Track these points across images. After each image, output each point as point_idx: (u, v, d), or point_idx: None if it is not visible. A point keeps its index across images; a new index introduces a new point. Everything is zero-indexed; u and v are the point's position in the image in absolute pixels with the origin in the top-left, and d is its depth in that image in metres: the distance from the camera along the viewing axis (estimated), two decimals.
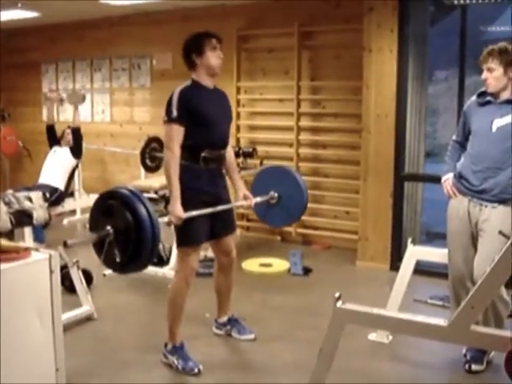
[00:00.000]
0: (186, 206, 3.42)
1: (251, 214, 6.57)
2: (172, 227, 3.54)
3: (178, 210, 3.38)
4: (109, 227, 2.93)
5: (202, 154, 3.52)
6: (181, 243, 3.59)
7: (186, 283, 3.58)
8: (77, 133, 6.49)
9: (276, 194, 4.10)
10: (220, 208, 3.63)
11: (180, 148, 3.47)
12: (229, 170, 3.88)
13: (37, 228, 5.51)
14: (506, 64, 3.36)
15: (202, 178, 3.54)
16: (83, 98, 6.93)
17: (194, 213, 3.45)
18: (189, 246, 3.56)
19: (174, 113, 3.43)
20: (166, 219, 3.37)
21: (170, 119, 3.45)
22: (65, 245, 2.85)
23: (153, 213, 2.96)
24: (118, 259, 2.92)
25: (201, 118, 3.48)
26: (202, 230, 3.56)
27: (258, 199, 4.00)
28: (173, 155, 3.43)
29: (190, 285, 3.59)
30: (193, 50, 3.55)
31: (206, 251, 5.10)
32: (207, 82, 3.59)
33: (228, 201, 3.78)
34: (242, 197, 3.88)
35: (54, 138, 6.65)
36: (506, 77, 3.38)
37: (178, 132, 3.45)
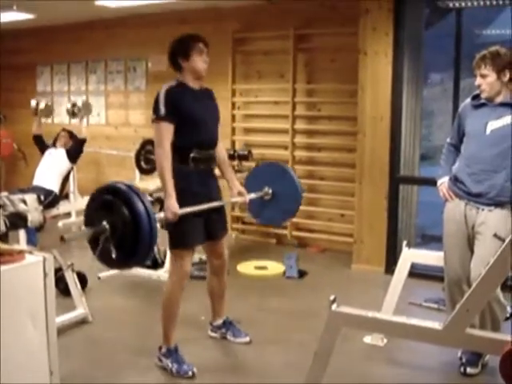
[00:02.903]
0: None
1: (246, 216, 6.57)
2: (166, 230, 3.54)
3: (173, 206, 3.35)
4: (104, 223, 2.91)
5: (191, 155, 3.51)
6: (174, 245, 3.58)
7: (179, 286, 3.57)
8: (82, 144, 6.66)
9: (270, 191, 4.07)
10: (215, 204, 3.61)
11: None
12: (221, 167, 3.87)
13: (29, 230, 5.49)
14: (499, 69, 3.35)
15: (192, 179, 3.52)
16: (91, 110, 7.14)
17: (189, 209, 3.43)
18: (182, 249, 3.54)
19: (162, 110, 3.42)
20: (161, 215, 3.34)
21: (158, 117, 3.44)
22: (62, 239, 2.83)
23: (150, 207, 2.93)
24: (113, 255, 2.89)
25: (188, 118, 3.47)
26: (195, 232, 3.55)
27: (253, 195, 3.99)
28: (164, 153, 3.41)
29: (183, 288, 3.58)
30: (179, 53, 3.55)
31: (201, 254, 5.09)
32: (193, 83, 3.59)
33: (222, 207, 3.77)
34: (236, 193, 3.88)
35: (43, 146, 6.74)
36: (500, 81, 3.37)
37: (167, 129, 3.43)
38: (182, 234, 3.50)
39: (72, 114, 6.98)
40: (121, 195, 2.96)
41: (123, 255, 2.94)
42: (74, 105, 7.05)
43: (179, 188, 3.43)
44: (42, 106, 6.97)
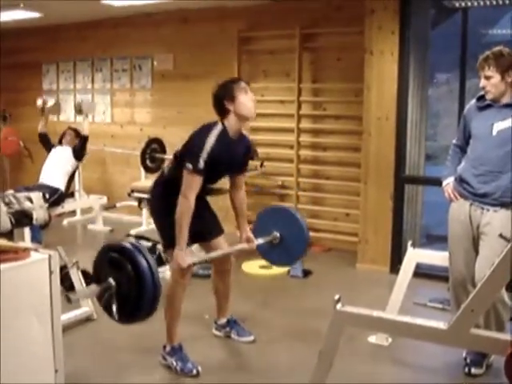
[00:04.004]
0: (165, 215, 3.46)
1: (252, 216, 6.56)
2: (156, 231, 3.64)
3: (180, 259, 3.38)
4: (111, 279, 2.89)
5: None
6: (167, 247, 3.58)
7: (181, 284, 3.56)
8: (85, 141, 6.75)
9: (278, 235, 4.11)
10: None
11: (174, 177, 3.48)
12: (237, 212, 3.89)
13: (34, 228, 5.51)
14: (503, 70, 3.34)
15: None
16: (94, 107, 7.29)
17: (196, 259, 3.51)
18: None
19: (201, 164, 3.33)
20: (168, 268, 3.42)
21: (195, 170, 3.35)
22: (68, 300, 2.83)
23: (155, 269, 2.90)
24: (115, 310, 2.88)
25: (212, 172, 3.43)
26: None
27: (260, 241, 4.01)
28: (188, 205, 3.36)
29: (185, 286, 3.58)
30: (224, 96, 3.48)
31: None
32: (236, 129, 3.54)
33: (209, 210, 3.82)
34: (244, 239, 3.89)
35: (48, 144, 6.78)
36: (504, 82, 3.35)
37: (197, 183, 3.38)
38: (172, 238, 3.45)
39: (79, 111, 7.02)
40: (126, 254, 2.92)
41: (127, 311, 2.92)
42: (79, 104, 7.12)
43: (172, 200, 3.41)
44: (50, 103, 7.04)
